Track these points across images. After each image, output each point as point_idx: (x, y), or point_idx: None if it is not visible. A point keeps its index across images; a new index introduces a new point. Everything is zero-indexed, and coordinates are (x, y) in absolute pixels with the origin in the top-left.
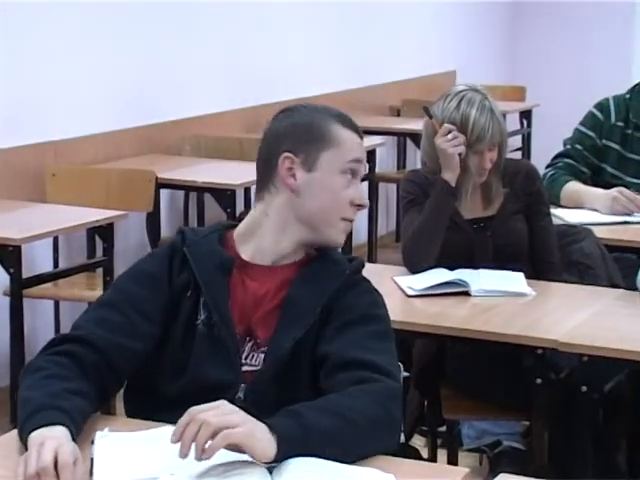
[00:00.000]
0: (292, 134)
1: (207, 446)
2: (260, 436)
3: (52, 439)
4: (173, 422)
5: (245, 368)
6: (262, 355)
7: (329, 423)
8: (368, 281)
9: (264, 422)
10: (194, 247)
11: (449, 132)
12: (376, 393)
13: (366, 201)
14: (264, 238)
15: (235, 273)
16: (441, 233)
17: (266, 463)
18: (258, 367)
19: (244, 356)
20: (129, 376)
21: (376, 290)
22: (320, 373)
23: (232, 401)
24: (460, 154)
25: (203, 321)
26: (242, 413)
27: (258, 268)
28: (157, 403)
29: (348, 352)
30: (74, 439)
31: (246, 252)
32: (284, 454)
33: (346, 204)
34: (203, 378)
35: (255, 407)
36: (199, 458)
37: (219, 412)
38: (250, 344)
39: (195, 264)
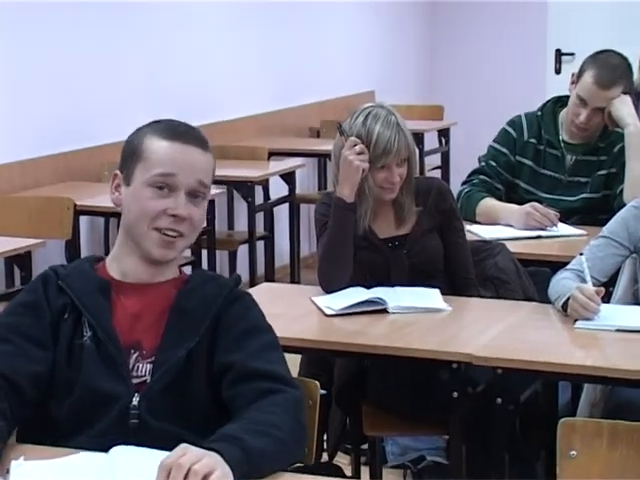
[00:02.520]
0: (122, 152)
1: None
2: (228, 471)
3: None
4: (67, 445)
5: (134, 380)
6: (149, 365)
7: (262, 443)
8: (249, 294)
9: (213, 450)
10: (68, 277)
11: (355, 145)
12: (285, 404)
13: (181, 211)
14: (123, 257)
15: (113, 293)
16: (348, 250)
17: None
18: (145, 377)
19: (130, 368)
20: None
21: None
22: (222, 383)
23: (126, 411)
24: (364, 170)
25: (90, 338)
26: (207, 452)
27: (133, 286)
28: (47, 425)
29: (250, 363)
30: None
31: (116, 273)
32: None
33: (156, 214)
34: (94, 392)
35: (150, 415)
36: None
37: (194, 457)
38: (135, 355)
39: (72, 290)
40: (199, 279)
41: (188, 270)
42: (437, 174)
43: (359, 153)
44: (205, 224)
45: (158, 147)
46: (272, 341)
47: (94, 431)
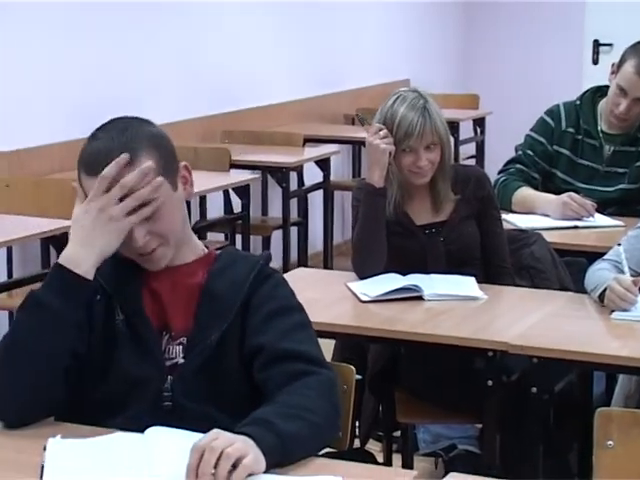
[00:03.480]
0: None
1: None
2: (260, 455)
3: None
4: (102, 424)
5: (167, 363)
6: (179, 347)
7: (295, 427)
8: (279, 272)
9: (245, 434)
10: None
11: (380, 130)
12: (319, 387)
13: (140, 246)
14: None
15: (142, 275)
16: (381, 236)
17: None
18: (176, 359)
19: (162, 350)
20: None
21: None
22: (253, 364)
23: (159, 394)
24: (390, 153)
25: (122, 321)
26: (240, 437)
27: (159, 271)
28: (82, 408)
29: (280, 344)
30: None
31: None
32: (269, 465)
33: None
34: (128, 375)
35: (183, 398)
36: None
37: (226, 441)
38: (166, 337)
39: (101, 274)
40: (228, 258)
41: None
42: (472, 163)
43: (383, 137)
44: (240, 209)
45: (89, 186)
46: (303, 320)
47: (128, 413)
